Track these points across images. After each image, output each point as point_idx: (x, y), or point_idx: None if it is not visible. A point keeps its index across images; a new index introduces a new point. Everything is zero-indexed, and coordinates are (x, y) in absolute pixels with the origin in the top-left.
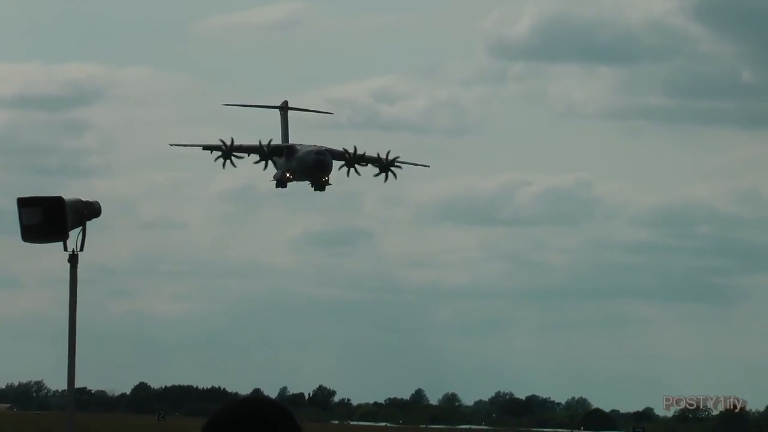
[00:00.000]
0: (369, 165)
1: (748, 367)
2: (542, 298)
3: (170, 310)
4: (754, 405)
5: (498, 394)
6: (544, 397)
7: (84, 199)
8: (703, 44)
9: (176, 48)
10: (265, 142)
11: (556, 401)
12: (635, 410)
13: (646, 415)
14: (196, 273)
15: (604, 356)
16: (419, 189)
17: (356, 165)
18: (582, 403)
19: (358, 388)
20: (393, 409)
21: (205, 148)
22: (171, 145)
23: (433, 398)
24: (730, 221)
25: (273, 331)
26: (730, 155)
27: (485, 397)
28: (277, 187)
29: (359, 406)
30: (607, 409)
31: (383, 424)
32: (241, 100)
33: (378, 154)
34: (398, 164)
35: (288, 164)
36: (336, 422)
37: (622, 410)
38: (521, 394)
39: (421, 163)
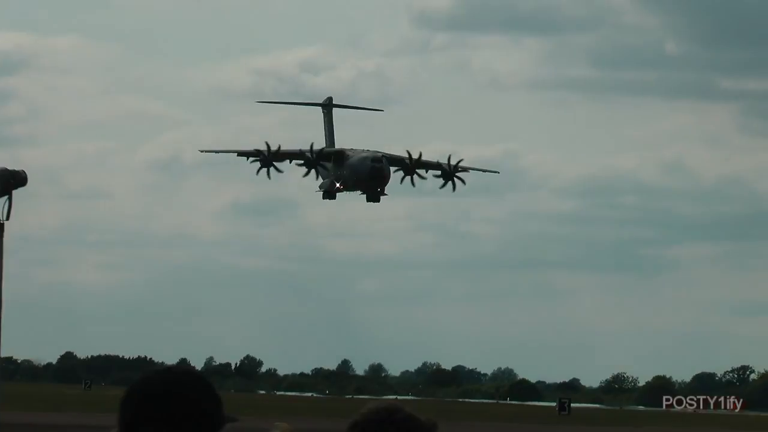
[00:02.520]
0: (430, 172)
1: (673, 338)
2: (468, 268)
3: (96, 279)
4: (680, 375)
5: (425, 364)
6: (471, 367)
7: (10, 168)
8: (627, 15)
9: (102, 18)
10: (307, 147)
11: (482, 372)
12: (561, 381)
13: (573, 385)
14: (122, 243)
15: (531, 327)
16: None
17: (417, 172)
18: (508, 373)
19: (285, 359)
20: (319, 379)
21: (240, 154)
22: (201, 151)
23: (360, 369)
24: (655, 192)
25: (199, 301)
26: (654, 126)
27: (412, 368)
28: (324, 198)
29: (286, 376)
30: (533, 380)
31: (309, 394)
32: (167, 70)
33: (449, 159)
34: (463, 171)
35: (338, 172)
36: (263, 392)
37: (549, 381)
38: (448, 365)
39: (489, 169)
